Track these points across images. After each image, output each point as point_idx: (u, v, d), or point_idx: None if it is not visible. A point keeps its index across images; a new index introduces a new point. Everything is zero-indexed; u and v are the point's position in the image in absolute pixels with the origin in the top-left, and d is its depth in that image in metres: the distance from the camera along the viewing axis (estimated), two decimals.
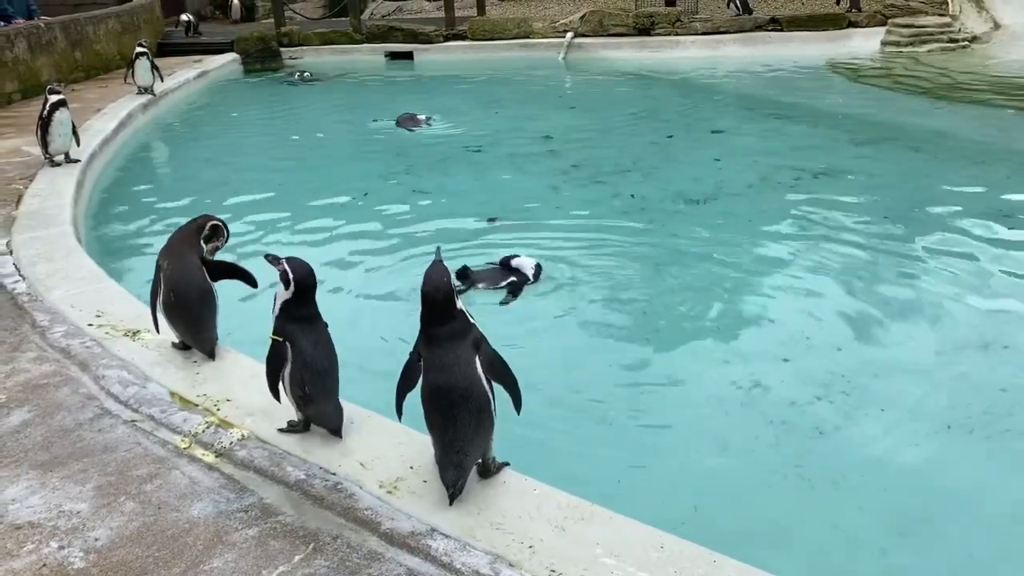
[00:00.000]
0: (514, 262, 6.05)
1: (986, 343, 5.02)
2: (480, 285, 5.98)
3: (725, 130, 10.68)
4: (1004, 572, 3.41)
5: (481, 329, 2.99)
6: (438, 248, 3.20)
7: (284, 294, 3.21)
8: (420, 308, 2.92)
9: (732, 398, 4.54)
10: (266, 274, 3.56)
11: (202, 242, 4.00)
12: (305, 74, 15.28)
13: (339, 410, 3.34)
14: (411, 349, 2.99)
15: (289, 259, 3.26)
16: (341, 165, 9.85)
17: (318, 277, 3.32)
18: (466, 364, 2.87)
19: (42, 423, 3.58)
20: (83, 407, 3.70)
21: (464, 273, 6.06)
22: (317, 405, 3.29)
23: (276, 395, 3.32)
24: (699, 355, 5.02)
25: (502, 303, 5.70)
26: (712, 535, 2.92)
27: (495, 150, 10.00)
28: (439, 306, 2.89)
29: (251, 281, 4.02)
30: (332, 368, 3.30)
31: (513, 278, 5.93)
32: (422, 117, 11.14)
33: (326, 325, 3.31)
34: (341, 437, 3.31)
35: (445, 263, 2.98)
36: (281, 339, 3.20)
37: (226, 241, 4.10)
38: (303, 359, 3.19)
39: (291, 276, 3.19)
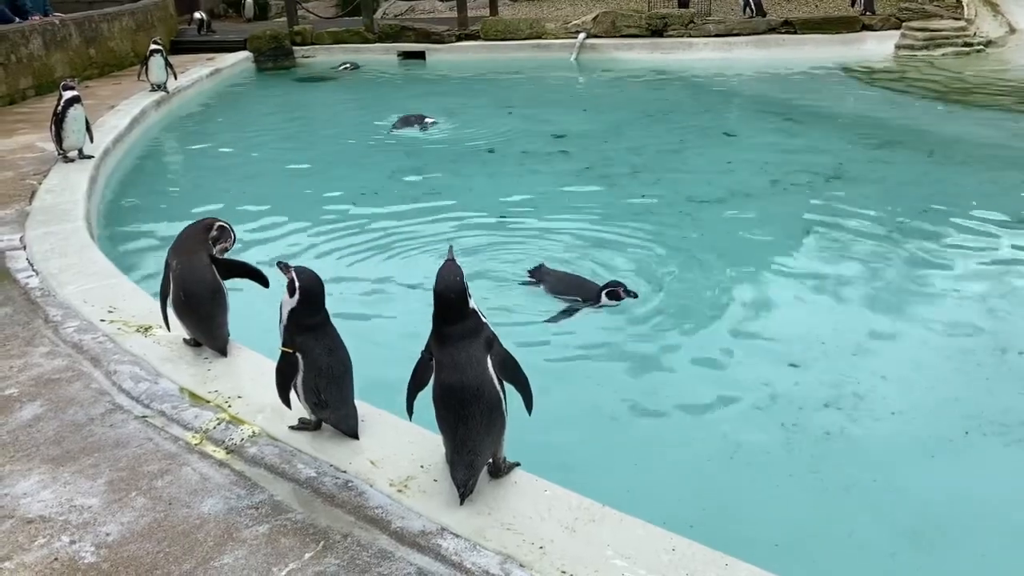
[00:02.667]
0: (607, 291, 5.50)
1: (1001, 348, 4.99)
2: (542, 286, 5.84)
3: (737, 132, 10.65)
4: None
5: (494, 329, 2.98)
6: (450, 247, 3.19)
7: (290, 302, 3.18)
8: (432, 307, 2.91)
9: (744, 401, 4.52)
10: (276, 272, 3.55)
11: (210, 242, 4.00)
12: (353, 67, 16.07)
13: (354, 412, 3.33)
14: (423, 348, 2.98)
15: (296, 268, 3.24)
16: (352, 163, 9.86)
17: (329, 275, 3.31)
18: (478, 364, 2.86)
19: (54, 418, 3.60)
20: (95, 402, 3.71)
21: (537, 270, 5.98)
22: (333, 410, 3.28)
23: (287, 404, 3.32)
24: (710, 358, 5.00)
25: (548, 320, 5.41)
26: (724, 538, 2.90)
27: (507, 150, 9.99)
28: (451, 305, 2.88)
29: (262, 280, 4.00)
30: (347, 373, 3.28)
31: (578, 298, 5.57)
32: (430, 120, 11.08)
33: (335, 329, 3.28)
34: (358, 438, 3.30)
35: (457, 262, 2.97)
36: (291, 350, 3.18)
37: (233, 244, 4.09)
38: (318, 368, 3.18)
39: (297, 284, 3.16)
